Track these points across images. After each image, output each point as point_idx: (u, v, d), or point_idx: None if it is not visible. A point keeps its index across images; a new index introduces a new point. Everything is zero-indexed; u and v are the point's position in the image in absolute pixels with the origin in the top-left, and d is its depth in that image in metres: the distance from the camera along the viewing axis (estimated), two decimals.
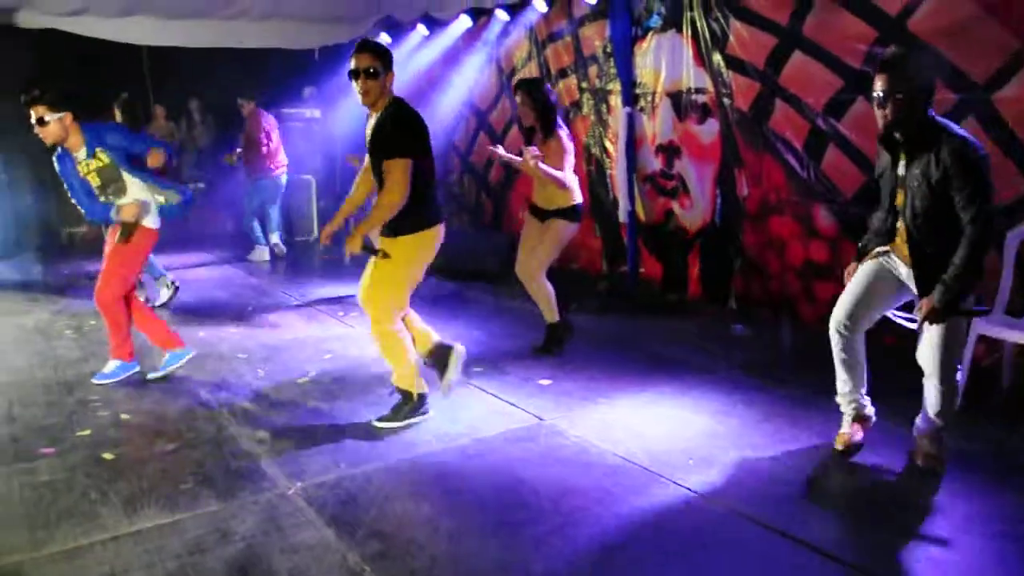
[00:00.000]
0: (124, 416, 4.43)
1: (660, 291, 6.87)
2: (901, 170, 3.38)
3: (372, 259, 4.16)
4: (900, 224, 3.45)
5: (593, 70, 7.12)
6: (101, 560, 2.99)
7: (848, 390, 3.74)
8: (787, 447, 3.88)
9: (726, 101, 5.97)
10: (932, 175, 3.20)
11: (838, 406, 3.82)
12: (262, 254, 9.33)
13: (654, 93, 6.58)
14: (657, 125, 6.64)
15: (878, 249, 3.61)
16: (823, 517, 3.24)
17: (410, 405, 4.24)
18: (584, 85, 7.29)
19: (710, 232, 6.38)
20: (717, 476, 3.56)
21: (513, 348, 5.57)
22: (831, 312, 3.70)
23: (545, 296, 5.35)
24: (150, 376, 5.03)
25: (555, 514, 3.26)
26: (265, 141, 8.97)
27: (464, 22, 8.11)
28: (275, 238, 9.46)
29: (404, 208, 3.95)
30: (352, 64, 3.96)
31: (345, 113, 9.35)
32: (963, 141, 3.18)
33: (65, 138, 4.72)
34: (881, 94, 3.23)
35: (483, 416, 4.32)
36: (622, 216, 7.04)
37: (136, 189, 4.93)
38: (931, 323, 3.31)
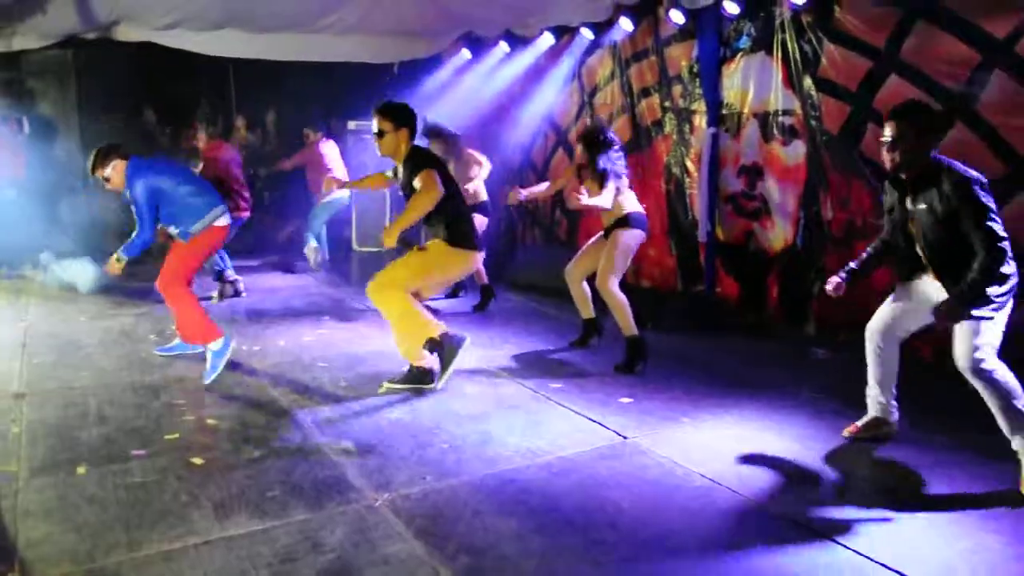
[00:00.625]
0: (210, 421, 4.51)
1: (737, 312, 6.76)
2: (910, 205, 3.73)
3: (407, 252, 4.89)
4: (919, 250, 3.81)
5: (677, 90, 7.07)
6: (195, 564, 3.02)
7: (875, 393, 4.10)
8: (877, 474, 3.79)
9: (814, 123, 5.87)
10: (938, 209, 3.56)
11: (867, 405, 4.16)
12: (311, 251, 9.25)
13: (740, 114, 6.51)
14: (741, 146, 6.56)
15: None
16: (924, 546, 3.10)
17: (414, 375, 4.92)
18: (667, 104, 7.23)
19: (791, 254, 6.27)
20: (808, 502, 3.47)
21: (591, 364, 5.56)
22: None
23: (619, 306, 5.37)
24: (206, 381, 5.13)
25: (645, 537, 3.20)
26: (326, 166, 9.03)
27: (547, 39, 8.12)
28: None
29: (449, 220, 4.86)
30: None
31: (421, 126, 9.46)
32: (963, 176, 3.50)
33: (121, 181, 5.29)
34: (889, 140, 3.65)
35: (566, 433, 4.28)
36: (701, 236, 6.97)
37: None
38: (948, 320, 3.56)
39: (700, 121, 6.91)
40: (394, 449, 4.09)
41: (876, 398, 4.11)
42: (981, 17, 4.83)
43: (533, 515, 3.39)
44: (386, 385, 4.99)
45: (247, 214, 7.62)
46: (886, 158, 3.69)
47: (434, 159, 4.95)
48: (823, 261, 5.96)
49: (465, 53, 9.38)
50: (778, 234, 6.36)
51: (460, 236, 4.91)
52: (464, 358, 5.04)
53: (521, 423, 4.42)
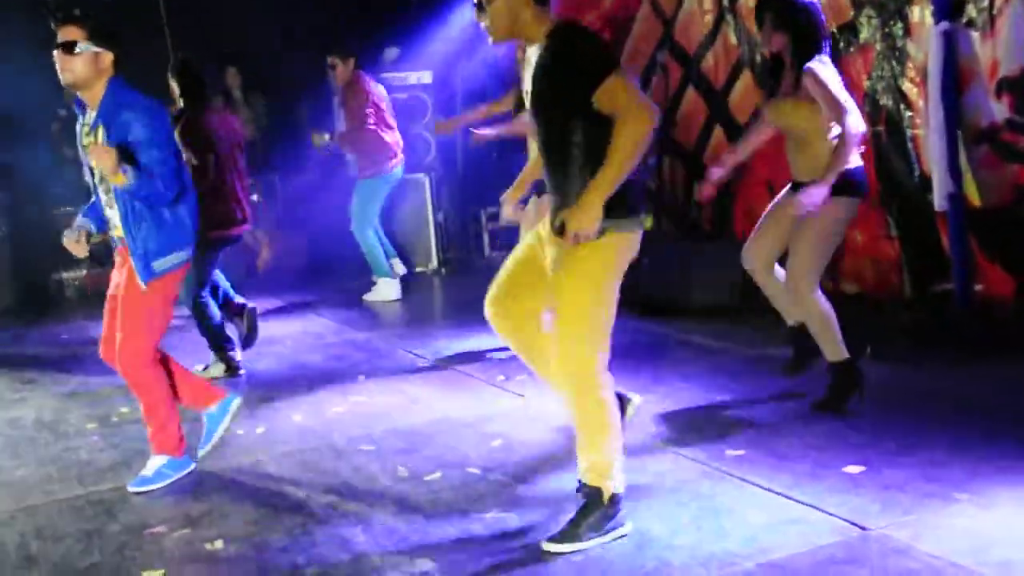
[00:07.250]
0: (209, 546, 4.52)
1: (1011, 322, 6.78)
2: None
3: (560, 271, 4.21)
4: None
5: None
6: None
7: None
8: None
9: None
10: None
11: None
12: (388, 291, 9.62)
13: None
14: (1000, 47, 6.60)
15: None
16: None
17: (598, 511, 4.21)
18: None
19: None
20: None
21: (779, 415, 5.70)
22: None
23: (820, 319, 5.51)
24: (201, 453, 5.31)
25: None
26: (374, 119, 9.20)
27: None
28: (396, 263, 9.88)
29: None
30: None
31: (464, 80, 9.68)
32: None
33: (89, 84, 4.95)
34: None
35: (767, 526, 4.29)
36: (938, 202, 6.98)
37: None
38: None
39: (922, 14, 6.98)
40: (501, 569, 4.11)
41: None
42: None
43: None
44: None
45: (246, 227, 7.66)
46: None
47: (609, 49, 4.37)
48: None
49: None
50: None
51: (626, 205, 4.14)
52: None
53: (692, 514, 4.45)
